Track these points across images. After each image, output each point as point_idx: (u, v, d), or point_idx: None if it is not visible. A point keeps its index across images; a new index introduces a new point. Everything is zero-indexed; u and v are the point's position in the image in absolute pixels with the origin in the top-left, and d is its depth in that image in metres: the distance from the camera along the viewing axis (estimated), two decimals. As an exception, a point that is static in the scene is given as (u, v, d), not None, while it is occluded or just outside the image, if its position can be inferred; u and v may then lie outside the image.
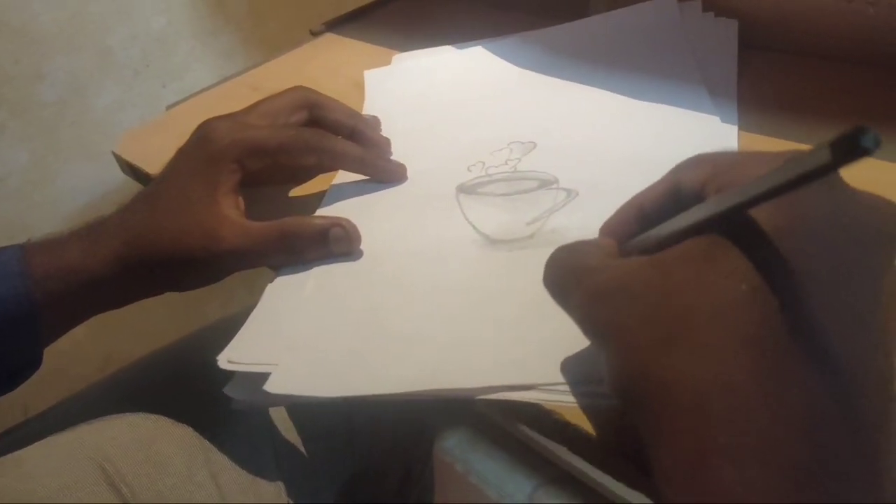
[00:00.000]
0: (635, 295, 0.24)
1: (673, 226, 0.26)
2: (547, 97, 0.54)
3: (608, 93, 0.53)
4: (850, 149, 0.18)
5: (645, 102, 0.51)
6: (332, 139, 0.47)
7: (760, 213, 0.22)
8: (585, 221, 0.41)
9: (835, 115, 0.47)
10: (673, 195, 0.28)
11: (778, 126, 0.47)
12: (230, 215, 0.43)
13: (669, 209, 0.28)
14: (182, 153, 0.46)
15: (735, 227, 0.23)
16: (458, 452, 1.13)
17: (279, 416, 0.53)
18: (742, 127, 0.47)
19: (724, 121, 0.47)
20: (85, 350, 0.88)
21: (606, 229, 0.32)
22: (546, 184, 0.45)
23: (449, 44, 0.64)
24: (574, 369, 0.32)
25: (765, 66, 0.53)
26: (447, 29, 0.67)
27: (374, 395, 0.33)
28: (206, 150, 0.44)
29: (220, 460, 0.47)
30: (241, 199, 0.45)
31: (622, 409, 0.25)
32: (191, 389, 0.50)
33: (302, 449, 0.52)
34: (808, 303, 0.21)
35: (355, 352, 0.36)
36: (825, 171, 0.19)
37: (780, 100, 0.49)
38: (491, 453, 1.10)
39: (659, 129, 0.48)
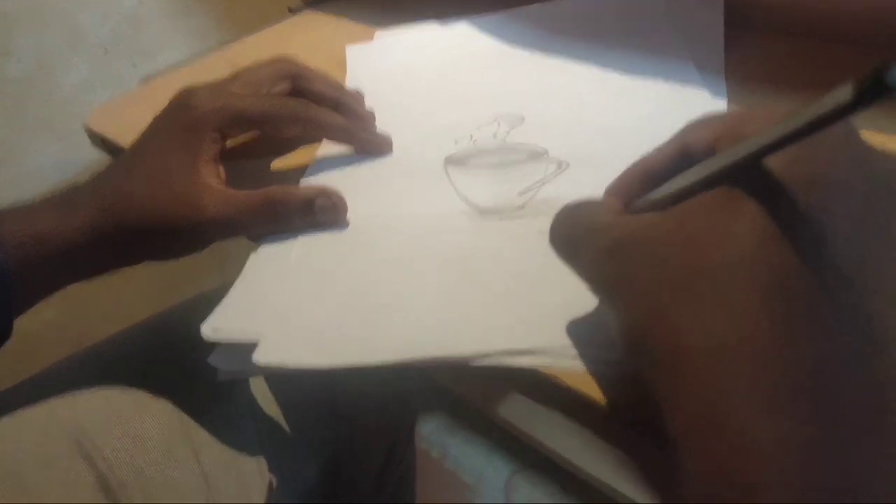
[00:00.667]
0: (649, 248, 0.24)
1: (683, 181, 0.25)
2: (533, 72, 0.54)
3: (595, 68, 0.52)
4: (874, 87, 0.17)
5: (633, 77, 0.50)
6: (317, 109, 0.46)
7: (777, 163, 0.22)
8: (578, 191, 0.40)
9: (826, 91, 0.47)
10: (681, 156, 0.28)
11: (767, 100, 0.47)
12: (212, 184, 0.42)
13: (677, 172, 0.27)
14: (160, 120, 0.44)
15: (751, 177, 0.22)
16: (435, 438, 1.12)
17: (260, 391, 0.51)
18: (731, 101, 0.47)
19: (713, 95, 0.47)
20: (54, 331, 0.85)
21: (611, 192, 0.32)
22: (536, 155, 0.45)
23: (431, 21, 0.64)
24: (577, 333, 0.32)
25: (751, 45, 0.53)
26: (429, 7, 0.66)
27: (366, 365, 0.33)
28: (186, 117, 0.43)
29: (201, 436, 0.46)
30: (222, 169, 0.44)
31: (631, 368, 0.24)
32: (169, 364, 0.49)
33: (284, 425, 0.51)
34: (827, 255, 0.21)
35: (346, 321, 0.35)
36: (846, 111, 0.18)
37: (768, 76, 0.49)
38: (469, 439, 1.10)
39: (648, 103, 0.48)
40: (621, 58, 0.53)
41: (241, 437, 0.48)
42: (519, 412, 1.06)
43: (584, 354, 0.31)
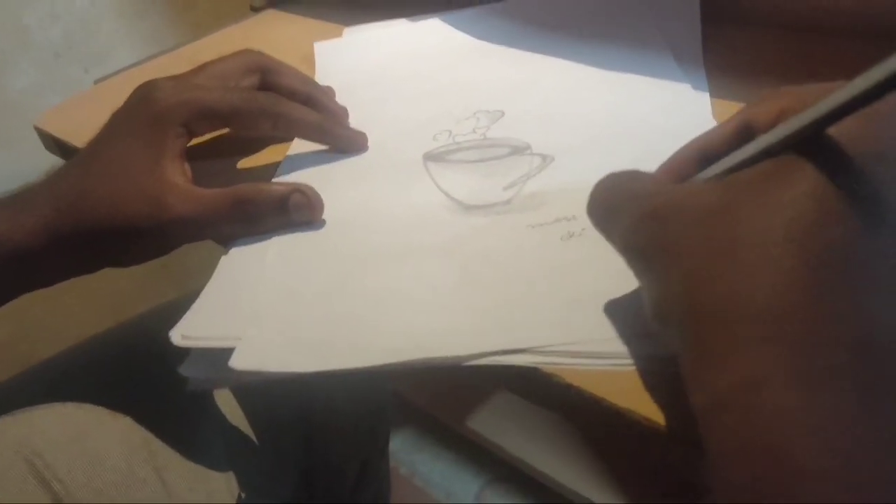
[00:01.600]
0: (694, 213, 0.22)
1: (741, 154, 0.24)
2: (510, 67, 0.52)
3: (573, 62, 0.51)
4: None
5: (612, 70, 0.49)
6: (289, 104, 0.43)
7: (840, 136, 0.21)
8: (567, 185, 0.39)
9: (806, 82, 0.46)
10: (742, 135, 0.26)
11: (748, 93, 0.46)
12: (177, 181, 0.39)
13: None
14: (121, 115, 0.41)
15: (811, 147, 0.21)
16: (403, 455, 1.09)
17: (229, 406, 0.49)
18: (712, 94, 0.46)
19: (694, 87, 0.46)
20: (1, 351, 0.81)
21: (663, 172, 0.30)
22: (519, 150, 0.43)
23: (399, 18, 0.62)
24: (588, 328, 0.30)
25: (729, 38, 0.52)
26: (395, 6, 0.64)
27: (354, 369, 0.30)
28: (149, 111, 0.40)
29: (166, 454, 0.43)
30: (187, 167, 0.41)
31: (666, 337, 0.23)
32: (130, 377, 0.46)
33: (254, 440, 0.48)
34: (884, 233, 0.20)
35: (329, 323, 0.33)
36: None
37: (747, 68, 0.49)
38: (437, 453, 1.08)
39: (630, 95, 0.46)
40: (599, 51, 0.51)
41: (208, 454, 0.45)
42: (487, 423, 1.04)
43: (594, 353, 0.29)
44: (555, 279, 0.33)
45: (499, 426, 1.03)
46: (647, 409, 0.27)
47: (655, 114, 0.44)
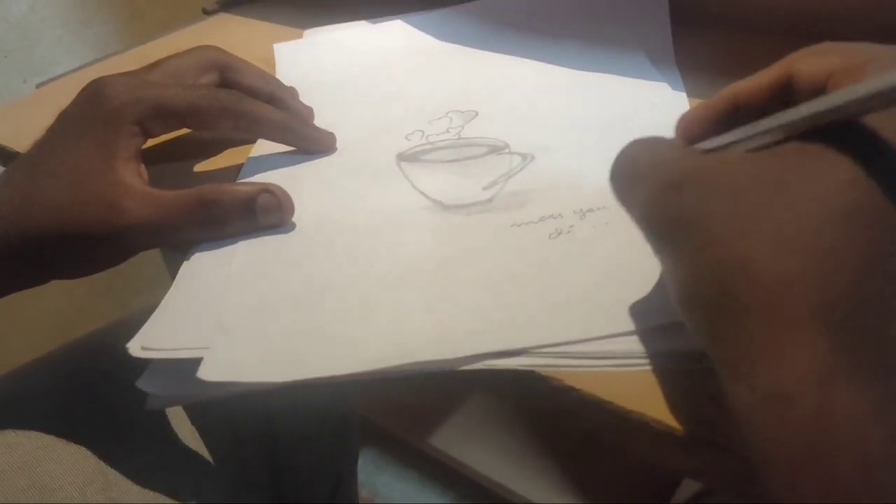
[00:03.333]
0: (727, 184, 0.20)
1: (781, 119, 0.21)
2: (480, 68, 0.51)
3: (544, 61, 0.50)
4: None
5: (585, 69, 0.48)
6: (252, 102, 0.41)
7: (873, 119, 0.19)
8: (550, 182, 0.38)
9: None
10: (783, 88, 0.24)
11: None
12: (133, 183, 0.36)
13: (774, 107, 0.23)
14: (69, 114, 0.38)
15: (858, 127, 0.19)
16: (364, 477, 1.06)
17: (188, 429, 0.45)
18: (688, 93, 0.45)
19: (671, 86, 0.45)
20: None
21: (685, 123, 0.28)
22: (496, 149, 0.41)
23: (359, 21, 0.60)
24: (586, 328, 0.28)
25: (697, 39, 0.52)
26: (353, 9, 0.62)
27: (333, 377, 0.28)
28: (100, 109, 0.37)
29: (121, 482, 0.39)
30: (143, 168, 0.38)
31: (687, 322, 0.21)
32: (79, 401, 0.42)
33: (214, 462, 0.45)
34: None
35: (306, 328, 0.30)
36: None
37: (719, 68, 0.48)
38: (400, 474, 1.04)
39: (606, 93, 0.45)
40: (571, 51, 0.50)
41: (168, 480, 0.42)
42: (451, 441, 1.01)
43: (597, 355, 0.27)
44: (546, 278, 0.31)
45: (463, 444, 1.00)
46: (658, 411, 0.25)
47: (635, 111, 0.43)
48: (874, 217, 0.18)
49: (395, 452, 1.10)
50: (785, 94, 0.24)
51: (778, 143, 0.21)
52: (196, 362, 0.29)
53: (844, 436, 0.16)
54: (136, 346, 0.30)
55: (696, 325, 0.20)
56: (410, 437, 1.05)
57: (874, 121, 0.20)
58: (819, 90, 0.23)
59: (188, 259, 0.36)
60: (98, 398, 0.39)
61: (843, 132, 0.19)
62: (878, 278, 0.18)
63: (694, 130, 0.27)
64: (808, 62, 0.24)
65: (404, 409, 1.08)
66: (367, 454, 1.11)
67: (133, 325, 0.31)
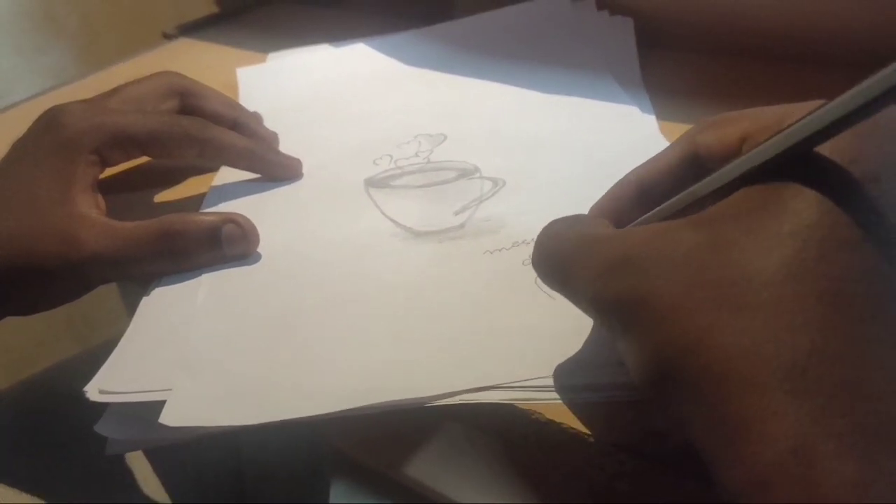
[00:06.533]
0: (675, 258, 0.19)
1: (705, 188, 0.21)
2: (445, 90, 0.50)
3: (511, 84, 0.49)
4: None
5: (554, 92, 0.48)
6: (216, 128, 0.40)
7: (828, 153, 0.19)
8: (522, 207, 0.37)
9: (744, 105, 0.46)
10: (686, 165, 0.24)
11: (690, 114, 0.45)
12: (90, 214, 0.35)
13: (680, 184, 0.23)
14: (24, 142, 0.37)
15: (799, 169, 0.19)
16: (335, 508, 0.99)
17: (148, 475, 0.43)
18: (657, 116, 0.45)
19: (641, 109, 0.45)
20: None
21: (597, 213, 0.27)
22: (467, 173, 0.40)
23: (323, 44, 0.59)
24: (563, 364, 0.27)
25: (668, 63, 0.52)
26: (316, 33, 0.62)
27: (303, 417, 0.27)
28: (56, 138, 0.36)
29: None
30: (101, 199, 0.37)
31: (656, 401, 0.19)
32: (32, 445, 0.40)
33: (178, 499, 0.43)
34: (893, 258, 0.18)
35: (273, 368, 0.29)
36: None
37: (686, 90, 0.48)
38: (371, 504, 0.98)
39: (577, 118, 0.45)
40: (538, 75, 0.50)
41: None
42: (426, 470, 1.00)
43: (578, 386, 0.26)
44: (520, 308, 0.30)
45: (438, 473, 0.98)
46: (643, 443, 0.24)
47: (605, 134, 0.42)
48: (840, 263, 0.17)
49: (367, 483, 1.08)
50: (692, 171, 0.24)
51: (715, 200, 0.20)
52: (159, 404, 0.27)
53: None
54: (94, 390, 0.28)
55: (662, 405, 0.19)
56: (382, 467, 1.03)
57: (833, 149, 0.19)
58: (728, 157, 0.21)
59: (148, 294, 0.34)
60: (53, 442, 0.37)
61: (793, 175, 0.19)
62: (846, 326, 0.17)
63: (611, 215, 0.26)
64: (711, 134, 0.23)
65: (376, 438, 1.06)
66: (338, 486, 1.09)
67: (93, 360, 0.30)
